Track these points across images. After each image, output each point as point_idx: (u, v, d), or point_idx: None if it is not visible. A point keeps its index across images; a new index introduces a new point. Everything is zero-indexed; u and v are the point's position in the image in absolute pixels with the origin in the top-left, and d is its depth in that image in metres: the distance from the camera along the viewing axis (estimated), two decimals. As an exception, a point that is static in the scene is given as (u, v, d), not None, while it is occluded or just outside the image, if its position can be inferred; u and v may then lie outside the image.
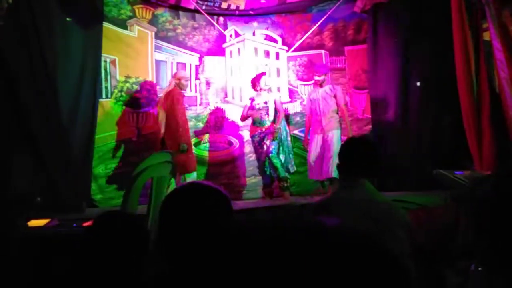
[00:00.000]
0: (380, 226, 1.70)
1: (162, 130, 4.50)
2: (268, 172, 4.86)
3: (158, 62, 5.28)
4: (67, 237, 2.55)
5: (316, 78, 4.89)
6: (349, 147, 1.89)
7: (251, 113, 4.91)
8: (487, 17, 3.95)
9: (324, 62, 5.54)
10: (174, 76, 4.72)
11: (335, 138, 4.68)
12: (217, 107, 5.46)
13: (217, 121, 5.43)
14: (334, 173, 4.48)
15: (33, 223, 3.04)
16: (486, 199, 1.17)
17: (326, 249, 0.47)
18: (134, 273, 1.25)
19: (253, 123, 4.93)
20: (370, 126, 5.43)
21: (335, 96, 4.82)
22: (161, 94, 4.84)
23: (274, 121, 4.88)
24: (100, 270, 1.24)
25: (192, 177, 4.53)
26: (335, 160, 4.48)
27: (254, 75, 5.07)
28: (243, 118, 5.07)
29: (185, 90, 4.80)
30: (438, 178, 3.80)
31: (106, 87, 5.00)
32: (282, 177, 4.79)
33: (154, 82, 5.23)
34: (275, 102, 4.89)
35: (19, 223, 2.83)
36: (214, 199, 1.17)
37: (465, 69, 4.31)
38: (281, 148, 4.84)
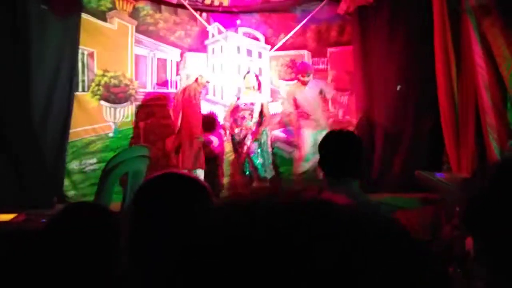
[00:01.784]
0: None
1: (179, 123, 4.58)
2: (247, 172, 4.80)
3: (138, 57, 5.15)
4: (34, 233, 2.41)
5: (302, 78, 4.87)
6: (332, 141, 1.81)
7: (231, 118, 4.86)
8: (468, 24, 4.00)
9: (304, 61, 5.52)
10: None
11: None
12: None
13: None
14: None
15: (3, 217, 2.88)
16: (473, 200, 1.14)
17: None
18: (102, 268, 1.16)
19: (235, 121, 4.87)
20: (352, 128, 5.43)
21: (320, 92, 4.84)
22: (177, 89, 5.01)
23: (259, 124, 4.82)
24: (65, 264, 1.14)
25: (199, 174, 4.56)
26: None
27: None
28: (227, 118, 5.02)
29: (202, 89, 4.83)
30: (419, 179, 3.82)
31: (83, 80, 4.85)
32: (262, 177, 4.73)
33: (134, 77, 5.09)
34: (262, 106, 4.83)
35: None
36: (192, 188, 1.09)
37: (445, 73, 4.36)
38: (260, 151, 4.79)
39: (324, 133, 4.50)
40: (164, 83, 5.30)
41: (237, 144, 4.82)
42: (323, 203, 0.40)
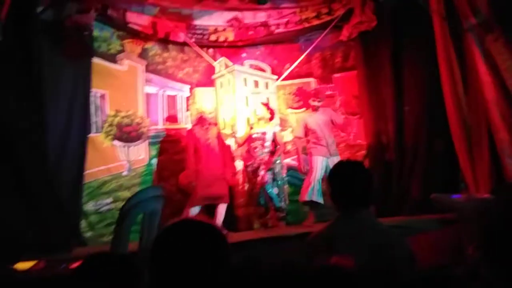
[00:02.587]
0: (380, 260, 1.65)
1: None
2: (262, 202, 4.79)
3: (148, 95, 5.27)
4: (55, 281, 2.43)
5: (313, 103, 4.90)
6: (341, 172, 1.82)
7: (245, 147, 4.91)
8: (471, 42, 4.03)
9: (318, 87, 5.58)
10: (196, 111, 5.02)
11: None
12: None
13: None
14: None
15: (19, 266, 2.89)
16: (492, 226, 1.13)
17: None
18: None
19: (248, 151, 4.90)
20: (364, 152, 5.42)
21: (331, 121, 4.87)
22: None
23: (272, 153, 4.83)
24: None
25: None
26: None
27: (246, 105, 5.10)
28: (240, 145, 5.06)
29: (207, 124, 4.84)
30: (435, 202, 3.76)
31: (96, 122, 4.95)
32: (278, 207, 4.73)
33: (145, 115, 5.19)
34: (274, 135, 4.86)
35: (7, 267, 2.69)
36: (210, 239, 1.10)
37: (452, 92, 4.36)
38: (275, 182, 4.80)
39: (335, 159, 4.57)
40: (175, 119, 5.38)
41: (251, 175, 4.83)
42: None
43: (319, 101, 4.90)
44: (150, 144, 5.18)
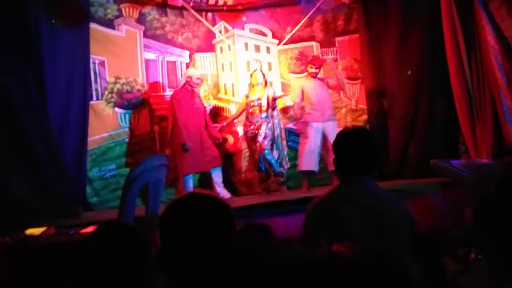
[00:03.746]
0: (381, 224, 1.70)
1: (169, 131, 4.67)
2: (263, 168, 4.86)
3: (147, 61, 5.20)
4: (65, 246, 2.52)
5: (311, 70, 4.87)
6: (345, 141, 1.82)
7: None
8: (477, 5, 3.94)
9: (317, 54, 5.51)
10: (184, 75, 4.89)
11: (332, 129, 4.68)
12: (210, 103, 5.41)
13: (211, 118, 5.39)
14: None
15: (30, 231, 2.99)
16: (489, 195, 1.16)
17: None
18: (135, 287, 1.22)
19: (247, 118, 4.91)
20: (366, 116, 5.43)
21: (328, 86, 4.85)
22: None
23: (271, 116, 4.85)
24: (101, 285, 1.21)
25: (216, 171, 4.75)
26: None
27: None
28: (236, 117, 5.09)
29: (196, 87, 4.84)
30: (435, 168, 3.81)
31: (96, 89, 4.93)
32: (277, 173, 4.79)
33: (145, 81, 5.16)
34: (267, 98, 4.85)
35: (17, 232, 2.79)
36: (217, 212, 1.15)
37: (456, 56, 4.32)
38: (274, 145, 4.84)
39: (330, 123, 4.62)
40: (175, 85, 5.35)
41: (251, 141, 4.86)
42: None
43: (316, 68, 4.86)
44: (151, 110, 5.17)
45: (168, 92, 5.28)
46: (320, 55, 5.48)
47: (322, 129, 4.75)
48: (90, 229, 2.95)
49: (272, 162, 4.75)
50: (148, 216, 2.56)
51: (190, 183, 4.69)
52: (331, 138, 4.62)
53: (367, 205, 1.72)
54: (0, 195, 3.77)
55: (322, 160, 4.84)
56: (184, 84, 4.80)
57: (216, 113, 5.42)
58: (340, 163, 1.84)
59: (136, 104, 5.09)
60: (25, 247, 2.68)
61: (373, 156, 1.83)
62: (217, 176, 4.81)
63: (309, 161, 4.72)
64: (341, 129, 5.01)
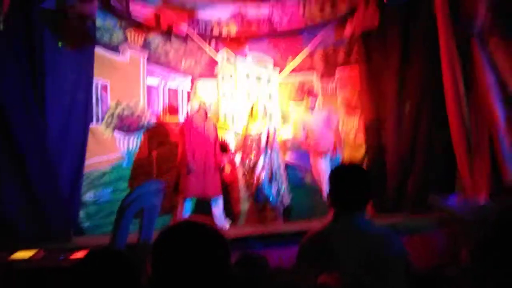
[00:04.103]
0: (376, 258, 1.70)
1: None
2: (260, 198, 4.84)
3: (149, 87, 5.26)
4: (54, 271, 2.45)
5: (308, 105, 4.97)
6: (340, 176, 1.84)
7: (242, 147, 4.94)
8: (476, 45, 4.03)
9: (315, 85, 5.58)
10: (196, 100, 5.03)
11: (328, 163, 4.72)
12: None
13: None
14: None
15: (18, 255, 2.92)
16: (486, 237, 1.15)
17: None
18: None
19: (244, 150, 4.92)
20: (364, 149, 5.44)
21: (328, 119, 4.89)
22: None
23: (266, 152, 4.87)
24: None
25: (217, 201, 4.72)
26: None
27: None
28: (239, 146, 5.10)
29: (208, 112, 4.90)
30: (433, 204, 3.78)
31: (97, 112, 4.95)
32: (274, 206, 4.79)
33: (146, 106, 5.19)
34: (268, 134, 4.88)
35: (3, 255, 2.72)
36: (211, 241, 1.12)
37: (454, 92, 4.36)
38: (273, 178, 4.84)
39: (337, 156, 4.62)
40: (175, 112, 5.38)
41: (248, 172, 4.85)
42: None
43: (312, 100, 4.97)
44: (150, 136, 5.18)
45: (168, 119, 5.31)
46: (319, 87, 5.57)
47: (330, 162, 4.79)
48: (80, 254, 2.89)
49: (269, 195, 4.75)
50: (140, 243, 2.52)
51: (188, 209, 4.65)
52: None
53: (357, 240, 1.73)
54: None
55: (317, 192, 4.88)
56: (198, 109, 4.84)
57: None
58: (333, 198, 1.85)
59: (136, 129, 5.09)
60: (11, 270, 2.61)
61: (368, 192, 1.84)
62: (217, 206, 4.76)
63: None
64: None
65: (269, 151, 4.83)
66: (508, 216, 1.14)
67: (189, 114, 5.01)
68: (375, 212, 4.24)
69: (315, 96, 5.04)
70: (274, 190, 4.81)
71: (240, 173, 5.12)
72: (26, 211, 3.99)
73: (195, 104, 4.95)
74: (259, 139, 4.83)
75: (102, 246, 1.96)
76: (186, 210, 4.62)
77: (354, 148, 5.52)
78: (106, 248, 1.75)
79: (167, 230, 1.18)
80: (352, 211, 1.79)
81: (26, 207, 4.01)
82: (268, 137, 4.85)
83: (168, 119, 5.33)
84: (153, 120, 5.22)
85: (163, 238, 1.17)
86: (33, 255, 2.96)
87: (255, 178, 4.74)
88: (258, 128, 4.86)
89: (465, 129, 4.31)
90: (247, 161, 4.83)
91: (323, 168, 4.79)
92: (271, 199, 4.74)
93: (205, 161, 4.70)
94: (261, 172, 4.74)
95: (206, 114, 4.84)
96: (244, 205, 5.17)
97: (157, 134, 5.19)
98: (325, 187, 4.69)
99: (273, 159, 4.86)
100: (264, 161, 4.78)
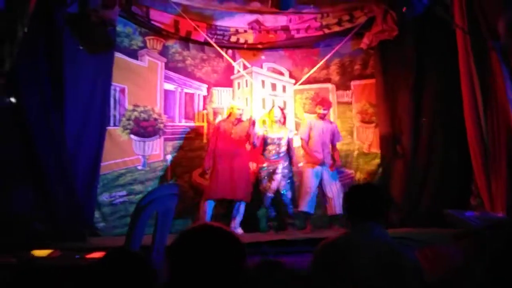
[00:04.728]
0: (389, 270, 1.73)
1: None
2: (271, 205, 4.86)
3: (166, 92, 5.33)
4: (70, 270, 2.50)
5: (319, 111, 5.01)
6: (356, 196, 1.95)
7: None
8: (496, 59, 4.00)
9: (330, 97, 5.59)
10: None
11: (329, 176, 4.88)
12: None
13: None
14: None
15: (37, 253, 2.98)
16: (501, 250, 1.15)
17: None
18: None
19: (262, 154, 4.93)
20: (378, 161, 5.42)
21: (333, 133, 4.97)
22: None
23: (289, 159, 4.93)
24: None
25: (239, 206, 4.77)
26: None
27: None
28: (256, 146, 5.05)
29: (238, 117, 4.96)
30: (448, 218, 3.75)
31: (114, 115, 5.04)
32: (290, 214, 4.80)
33: (162, 111, 5.27)
34: (289, 142, 4.94)
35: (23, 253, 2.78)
36: (228, 245, 1.14)
37: (472, 106, 4.33)
38: (288, 186, 4.88)
39: (327, 169, 4.63)
40: (192, 117, 5.45)
41: (266, 178, 4.86)
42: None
43: (324, 109, 4.98)
44: (166, 140, 5.25)
45: (184, 123, 5.37)
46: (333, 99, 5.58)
47: (321, 173, 4.81)
48: (95, 254, 2.93)
49: (287, 202, 4.78)
50: (156, 247, 2.55)
51: (210, 211, 4.68)
52: (328, 184, 4.81)
53: (376, 251, 1.76)
54: (6, 213, 3.78)
55: (319, 205, 4.86)
56: (229, 115, 4.99)
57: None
58: (351, 210, 1.94)
59: (152, 133, 5.17)
60: (30, 268, 2.67)
61: (382, 209, 1.92)
62: (238, 212, 4.78)
63: (307, 203, 4.80)
64: (347, 172, 5.15)
65: (286, 156, 4.86)
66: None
67: (216, 121, 5.18)
68: (388, 225, 4.22)
69: (328, 107, 5.05)
70: (289, 196, 4.85)
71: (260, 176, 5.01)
72: (42, 211, 4.06)
73: (211, 114, 5.06)
74: (280, 145, 4.86)
75: (119, 247, 2.01)
76: (208, 212, 4.66)
77: (369, 158, 5.50)
78: (124, 249, 1.79)
79: (184, 233, 1.21)
80: (367, 222, 1.85)
81: (42, 207, 4.08)
82: (288, 143, 4.89)
83: (185, 123, 5.39)
84: (170, 124, 5.28)
85: (181, 241, 1.19)
86: (50, 254, 3.02)
87: (274, 184, 4.77)
88: (280, 135, 4.90)
89: (483, 143, 4.27)
90: (264, 166, 4.84)
91: (308, 177, 4.84)
92: (288, 207, 4.79)
93: (230, 165, 4.73)
94: (282, 178, 4.78)
95: (237, 119, 4.92)
96: (258, 211, 5.18)
97: (172, 138, 5.25)
98: (304, 194, 4.80)
99: (291, 164, 4.91)
100: (283, 166, 4.81)
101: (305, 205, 4.78)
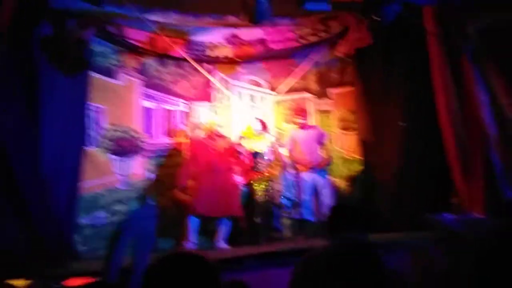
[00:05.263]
0: (373, 277, 1.73)
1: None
2: (263, 218, 4.86)
3: (145, 110, 5.30)
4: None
5: (297, 121, 5.07)
6: (337, 214, 2.07)
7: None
8: (467, 62, 4.09)
9: (308, 106, 5.64)
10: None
11: (324, 183, 4.89)
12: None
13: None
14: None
15: (15, 283, 2.89)
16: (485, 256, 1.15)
17: None
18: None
19: (252, 168, 4.91)
20: (359, 167, 5.45)
21: (320, 143, 5.01)
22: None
23: (279, 166, 4.93)
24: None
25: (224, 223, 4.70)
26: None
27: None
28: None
29: (217, 132, 4.95)
30: (428, 222, 3.78)
31: (92, 136, 4.97)
32: (275, 228, 4.83)
33: (141, 130, 5.22)
34: (273, 147, 4.97)
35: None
36: (202, 275, 1.13)
37: (447, 108, 4.41)
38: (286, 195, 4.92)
39: (320, 176, 4.64)
40: (172, 134, 5.41)
41: (260, 190, 4.84)
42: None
43: (302, 118, 5.05)
44: (146, 158, 5.19)
45: (164, 140, 5.33)
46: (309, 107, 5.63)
47: (313, 181, 4.84)
48: (74, 281, 2.86)
49: (277, 214, 4.80)
50: (134, 272, 2.50)
51: (194, 227, 4.61)
52: (323, 191, 4.84)
53: (354, 260, 1.76)
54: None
55: (317, 211, 4.89)
56: (209, 131, 4.96)
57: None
58: (329, 226, 2.06)
59: (132, 152, 5.11)
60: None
61: (362, 225, 2.01)
62: (223, 229, 4.71)
63: (303, 209, 4.84)
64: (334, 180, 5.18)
65: (284, 170, 4.90)
66: (509, 232, 1.15)
67: (193, 138, 5.10)
68: (370, 231, 4.24)
69: (304, 116, 5.12)
70: (288, 205, 4.90)
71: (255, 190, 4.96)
72: (20, 235, 3.95)
73: (199, 128, 5.04)
74: (266, 153, 4.88)
75: (95, 282, 1.95)
76: (191, 228, 4.59)
77: (351, 165, 5.54)
78: (100, 283, 1.75)
79: (157, 261, 1.19)
80: (348, 232, 1.93)
81: (20, 231, 3.97)
82: (274, 150, 4.93)
83: (165, 140, 5.35)
84: (150, 142, 5.24)
85: (153, 270, 1.17)
86: (26, 286, 2.93)
87: (270, 194, 4.78)
88: (262, 144, 4.90)
89: (459, 145, 4.34)
90: (256, 179, 4.83)
91: (303, 184, 4.88)
92: (275, 219, 4.81)
93: (212, 179, 4.66)
94: (275, 191, 4.80)
95: (216, 135, 4.90)
96: (248, 224, 5.12)
97: (152, 156, 5.20)
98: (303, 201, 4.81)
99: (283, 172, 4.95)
100: (283, 180, 4.85)
101: (302, 212, 4.83)
